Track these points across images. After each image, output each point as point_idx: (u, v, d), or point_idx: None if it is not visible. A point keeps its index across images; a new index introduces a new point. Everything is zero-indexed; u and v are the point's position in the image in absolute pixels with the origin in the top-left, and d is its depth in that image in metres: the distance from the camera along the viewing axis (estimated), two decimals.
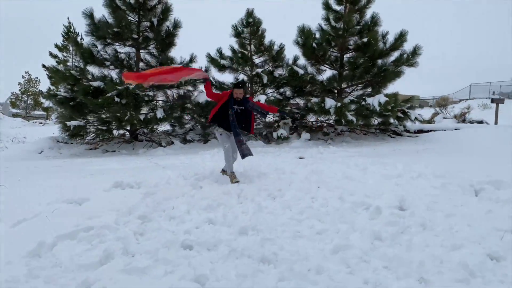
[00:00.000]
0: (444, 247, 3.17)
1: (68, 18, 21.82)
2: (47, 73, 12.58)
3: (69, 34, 22.36)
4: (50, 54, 25.30)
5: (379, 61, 13.14)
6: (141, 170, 7.26)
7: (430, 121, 17.35)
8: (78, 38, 15.93)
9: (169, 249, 3.31)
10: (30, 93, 48.59)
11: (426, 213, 3.95)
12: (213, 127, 6.36)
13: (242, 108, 5.94)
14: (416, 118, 12.97)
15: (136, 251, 3.28)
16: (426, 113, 20.20)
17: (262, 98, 12.27)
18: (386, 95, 11.87)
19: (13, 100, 54.49)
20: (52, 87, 14.19)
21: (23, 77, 51.73)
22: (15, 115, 44.49)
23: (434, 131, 13.48)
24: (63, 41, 24.47)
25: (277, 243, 3.32)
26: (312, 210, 4.18)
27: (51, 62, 26.39)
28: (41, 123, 31.51)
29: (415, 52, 12.63)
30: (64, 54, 25.69)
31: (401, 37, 12.80)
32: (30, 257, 3.10)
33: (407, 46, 12.87)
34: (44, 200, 4.63)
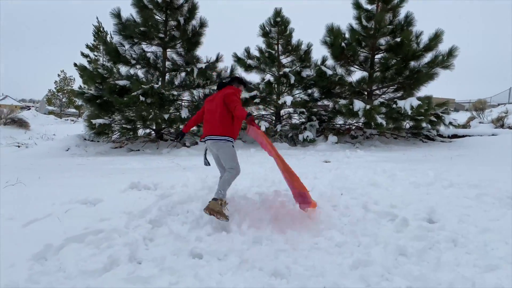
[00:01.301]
0: (477, 267, 2.87)
1: (97, 18, 22.24)
2: (78, 72, 12.77)
3: (99, 34, 22.85)
4: (82, 54, 26.00)
5: (412, 62, 12.66)
6: (161, 170, 7.19)
7: (465, 126, 16.59)
8: (108, 37, 16.21)
9: (177, 257, 3.17)
10: (65, 91, 50.18)
11: (458, 227, 3.63)
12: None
13: None
14: (450, 123, 12.40)
15: (144, 258, 3.16)
16: (462, 117, 19.38)
17: (288, 99, 12.04)
18: (418, 98, 11.40)
19: (49, 97, 56.65)
20: (83, 86, 14.38)
21: (58, 75, 53.65)
22: (50, 113, 46.17)
23: (469, 136, 12.84)
24: (94, 40, 25.10)
25: (292, 256, 3.12)
26: (332, 220, 3.94)
27: (84, 61, 27.12)
28: (72, 120, 32.49)
29: (450, 53, 12.07)
30: (95, 53, 26.33)
31: (436, 38, 12.27)
32: (34, 260, 3.03)
33: (442, 47, 12.34)
34: (59, 199, 4.58)
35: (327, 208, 4.39)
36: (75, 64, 12.74)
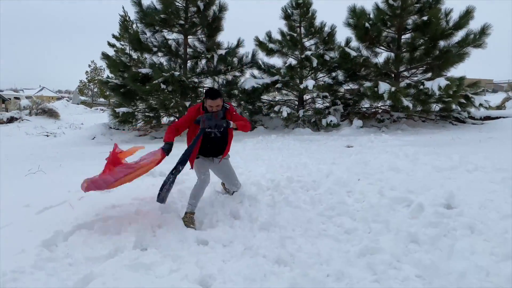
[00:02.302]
0: (494, 255, 2.70)
1: (123, 7, 22.40)
2: (106, 62, 13.05)
3: (124, 23, 23.08)
4: (109, 43, 26.36)
5: (441, 42, 12.10)
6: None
7: (500, 107, 15.83)
8: (133, 26, 16.35)
9: (183, 243, 3.17)
10: (96, 81, 51.36)
11: (478, 213, 3.43)
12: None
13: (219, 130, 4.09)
14: (481, 104, 11.81)
15: (149, 244, 3.17)
16: (499, 98, 18.48)
17: (310, 83, 11.82)
18: (447, 79, 10.90)
19: (81, 88, 58.27)
20: (110, 75, 14.72)
21: (89, 66, 54.87)
22: (82, 102, 47.57)
23: (503, 117, 12.22)
24: (120, 30, 25.37)
25: (298, 242, 3.05)
26: (344, 206, 3.82)
27: (110, 51, 27.51)
28: (102, 110, 33.30)
29: (483, 31, 11.42)
30: (121, 43, 26.62)
31: (466, 15, 11.64)
32: (43, 247, 3.08)
33: (473, 25, 11.70)
34: (75, 187, 4.66)
35: (341, 193, 4.28)
36: (103, 54, 12.96)
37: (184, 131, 4.15)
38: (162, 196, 3.72)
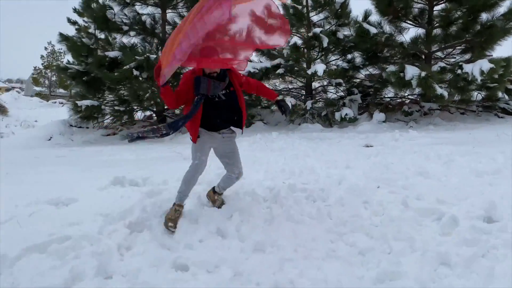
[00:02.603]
0: None
1: None
2: (65, 44, 13.00)
3: None
4: (69, 20, 26.34)
5: (483, 14, 12.16)
6: (157, 162, 7.29)
7: None
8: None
9: (157, 269, 3.17)
10: (54, 67, 51.07)
11: None
12: None
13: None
14: None
15: (115, 271, 3.17)
16: None
17: (320, 68, 11.84)
18: (491, 61, 10.94)
19: (35, 77, 57.82)
20: (72, 60, 14.77)
21: (45, 48, 54.30)
22: (37, 94, 47.39)
23: None
24: (82, 3, 25.34)
25: (300, 266, 3.07)
26: (359, 220, 3.87)
27: (71, 30, 27.47)
28: (61, 103, 33.34)
29: None
30: (85, 19, 26.64)
31: None
32: None
33: None
34: (24, 200, 4.68)
35: (355, 205, 4.32)
36: (61, 35, 12.86)
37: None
38: (132, 135, 3.80)
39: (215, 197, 4.56)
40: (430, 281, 2.80)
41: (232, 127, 4.29)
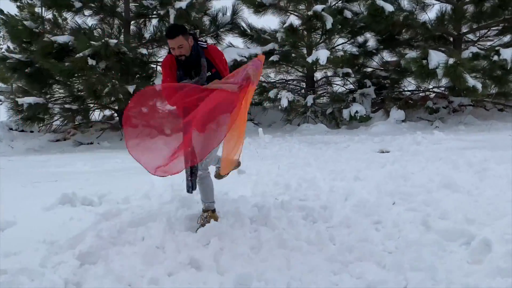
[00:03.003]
0: None
1: None
2: (2, 27, 12.91)
3: None
4: None
5: None
6: (117, 174, 7.27)
7: None
8: None
9: None
10: None
11: None
12: None
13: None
14: None
15: None
16: None
17: (322, 55, 11.88)
18: None
19: None
20: (12, 47, 14.75)
21: None
22: None
23: None
24: None
25: None
26: (369, 246, 3.87)
27: (12, 8, 27.38)
28: (0, 101, 33.13)
29: None
30: None
31: None
32: None
33: None
34: None
35: (365, 226, 4.34)
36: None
37: None
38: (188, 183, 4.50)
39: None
40: None
41: None
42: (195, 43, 4.37)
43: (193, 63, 4.36)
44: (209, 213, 4.83)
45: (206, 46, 4.54)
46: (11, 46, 14.71)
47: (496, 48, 11.57)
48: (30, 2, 25.02)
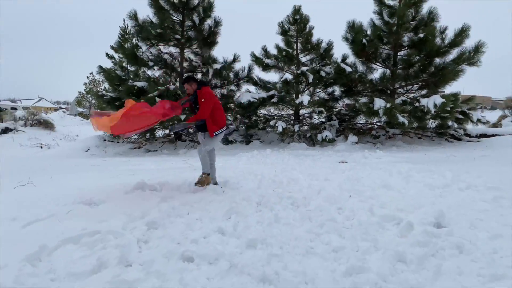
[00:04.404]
0: (481, 276, 2.69)
1: (124, 20, 22.68)
2: (102, 74, 13.11)
3: (125, 36, 23.19)
4: (107, 55, 26.51)
5: (437, 59, 12.27)
6: (172, 171, 7.24)
7: (496, 125, 15.91)
8: (134, 40, 16.44)
9: (168, 260, 3.12)
10: (94, 93, 51.22)
11: (467, 233, 3.44)
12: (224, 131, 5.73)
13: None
14: (478, 120, 11.91)
15: (134, 260, 3.13)
16: (497, 115, 18.60)
17: (305, 99, 11.88)
18: (443, 96, 10.99)
19: (79, 99, 58.33)
20: (108, 88, 14.85)
21: (87, 77, 54.99)
22: (80, 114, 47.65)
23: (499, 135, 12.29)
24: (118, 43, 25.49)
25: (284, 260, 3.02)
26: (334, 224, 3.81)
27: (108, 63, 27.62)
28: None
29: (477, 49, 11.58)
30: (120, 55, 26.74)
31: (462, 33, 11.83)
32: (27, 261, 3.04)
33: (468, 43, 11.86)
34: (63, 200, 4.66)
35: (331, 211, 4.28)
36: (100, 67, 12.99)
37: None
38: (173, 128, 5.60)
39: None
40: (389, 275, 2.76)
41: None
42: (198, 86, 5.37)
43: (195, 97, 5.41)
44: (205, 175, 5.56)
45: (200, 88, 5.34)
46: (107, 87, 14.79)
47: (417, 98, 11.55)
48: (120, 59, 25.24)
